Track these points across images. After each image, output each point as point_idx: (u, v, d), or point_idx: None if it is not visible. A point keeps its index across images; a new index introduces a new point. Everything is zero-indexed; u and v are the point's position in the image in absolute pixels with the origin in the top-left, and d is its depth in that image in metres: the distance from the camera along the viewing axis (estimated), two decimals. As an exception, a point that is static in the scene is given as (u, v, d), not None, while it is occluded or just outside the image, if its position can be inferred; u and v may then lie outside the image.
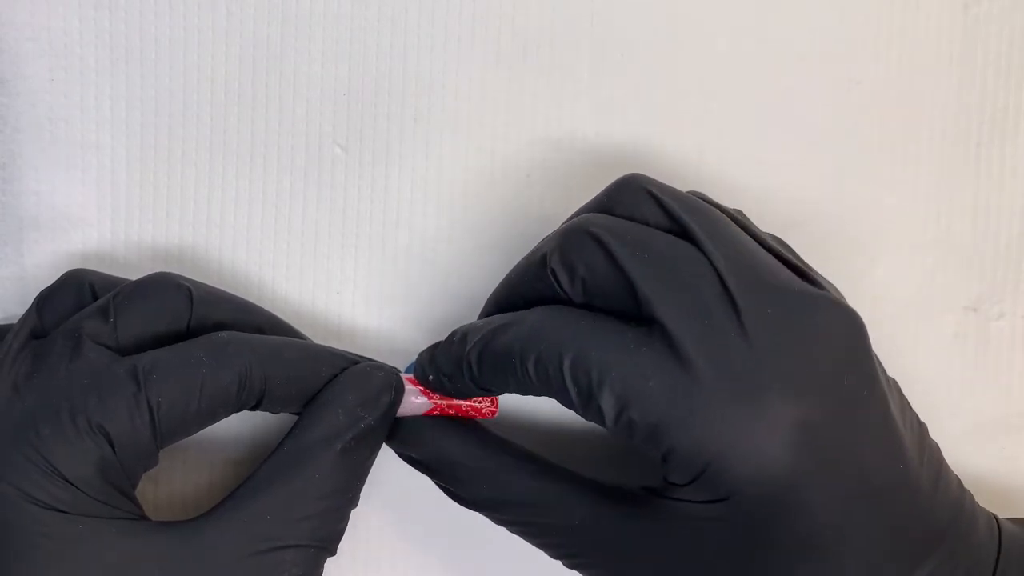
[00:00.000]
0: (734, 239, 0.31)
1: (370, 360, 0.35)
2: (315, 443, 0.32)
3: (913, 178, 0.39)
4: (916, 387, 0.35)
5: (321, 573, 0.33)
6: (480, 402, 0.34)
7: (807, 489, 0.29)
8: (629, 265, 0.30)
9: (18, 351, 0.32)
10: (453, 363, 0.33)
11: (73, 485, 0.30)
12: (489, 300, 0.35)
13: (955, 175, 0.39)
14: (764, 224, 0.34)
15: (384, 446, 0.34)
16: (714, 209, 0.32)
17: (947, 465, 0.33)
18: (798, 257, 0.33)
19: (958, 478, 0.33)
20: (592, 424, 0.32)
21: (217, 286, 0.35)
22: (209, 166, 0.37)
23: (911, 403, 0.33)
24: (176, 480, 0.37)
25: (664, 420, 0.29)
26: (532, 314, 0.32)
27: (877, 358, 0.32)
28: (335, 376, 0.33)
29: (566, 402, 0.31)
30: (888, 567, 0.30)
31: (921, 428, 0.33)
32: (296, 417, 0.34)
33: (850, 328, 0.31)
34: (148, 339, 0.32)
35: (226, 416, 0.33)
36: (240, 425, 0.37)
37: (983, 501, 0.33)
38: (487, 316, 0.34)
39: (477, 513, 0.34)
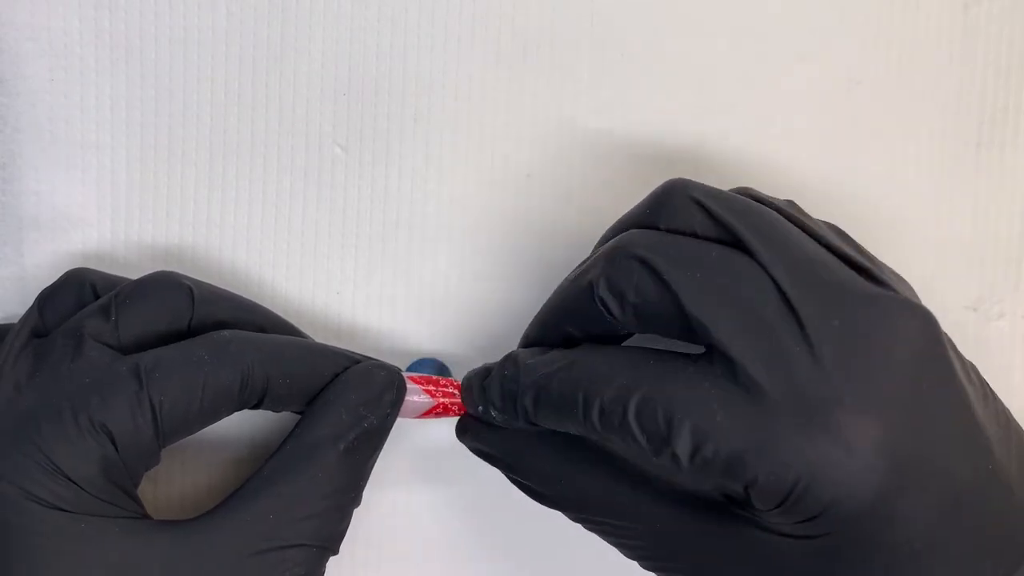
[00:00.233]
0: (790, 242, 0.30)
1: (372, 359, 0.35)
2: (318, 442, 0.32)
3: (913, 178, 0.39)
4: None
5: (323, 572, 0.33)
6: None
7: (894, 504, 0.28)
8: (681, 288, 0.29)
9: (20, 350, 0.32)
10: (507, 401, 0.32)
11: (75, 484, 0.30)
12: (532, 324, 0.34)
13: (955, 175, 0.39)
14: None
15: (384, 447, 0.34)
16: (766, 209, 0.31)
17: None
18: (858, 247, 0.32)
19: None
20: None
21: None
22: (209, 166, 0.37)
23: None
24: (177, 479, 0.36)
25: (739, 453, 0.28)
26: (588, 356, 0.31)
27: (951, 342, 0.30)
28: (337, 375, 0.33)
29: (635, 451, 0.30)
30: (984, 566, 0.29)
31: (1006, 414, 0.31)
32: (297, 416, 0.34)
33: (920, 328, 0.29)
34: (150, 338, 0.32)
35: (228, 415, 0.33)
36: (241, 424, 0.37)
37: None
38: (531, 342, 0.34)
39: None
